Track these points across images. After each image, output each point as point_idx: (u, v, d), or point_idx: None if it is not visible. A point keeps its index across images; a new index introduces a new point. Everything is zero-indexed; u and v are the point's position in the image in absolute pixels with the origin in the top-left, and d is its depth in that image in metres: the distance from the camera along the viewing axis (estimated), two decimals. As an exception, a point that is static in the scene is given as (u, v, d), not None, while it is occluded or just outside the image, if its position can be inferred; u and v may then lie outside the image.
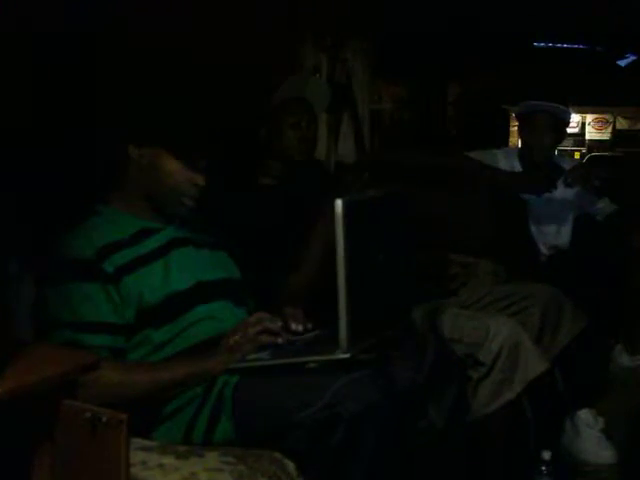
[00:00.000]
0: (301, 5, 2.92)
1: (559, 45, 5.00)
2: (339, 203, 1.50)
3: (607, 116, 5.07)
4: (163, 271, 1.73)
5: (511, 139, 4.84)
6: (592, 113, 5.09)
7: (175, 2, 2.38)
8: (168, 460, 1.49)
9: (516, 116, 3.32)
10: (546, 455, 1.99)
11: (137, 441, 1.50)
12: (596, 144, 5.05)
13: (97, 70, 2.14)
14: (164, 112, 1.78)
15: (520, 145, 3.28)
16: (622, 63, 4.99)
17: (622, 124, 5.06)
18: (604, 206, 3.15)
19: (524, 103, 3.16)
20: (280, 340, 1.72)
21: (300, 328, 1.75)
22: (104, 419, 1.23)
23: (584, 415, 2.45)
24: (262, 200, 2.29)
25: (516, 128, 3.59)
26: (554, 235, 3.13)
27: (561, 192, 3.12)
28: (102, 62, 2.15)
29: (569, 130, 3.45)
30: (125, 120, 1.82)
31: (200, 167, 1.76)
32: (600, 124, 5.13)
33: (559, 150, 3.34)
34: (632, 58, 4.97)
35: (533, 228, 3.12)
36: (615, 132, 5.03)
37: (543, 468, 1.99)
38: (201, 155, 1.77)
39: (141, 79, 2.18)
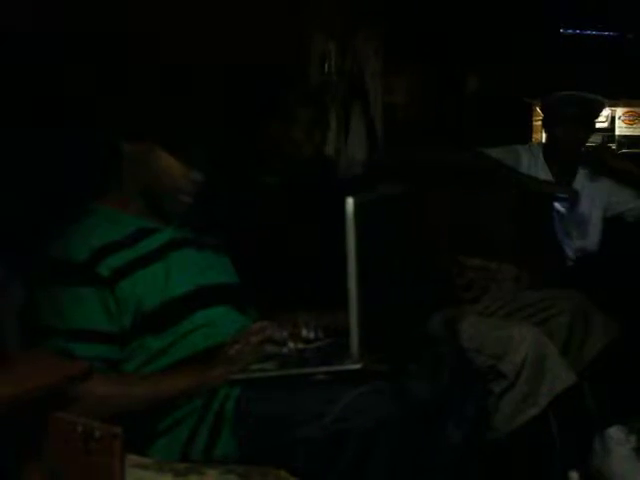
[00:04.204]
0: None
1: (587, 32, 4.99)
2: (350, 202, 1.50)
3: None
4: (162, 274, 1.74)
5: (534, 134, 4.83)
6: (623, 106, 5.05)
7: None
8: (166, 478, 1.50)
9: (541, 109, 3.32)
10: (574, 476, 1.99)
11: (132, 458, 1.51)
12: (627, 140, 5.02)
13: (86, 68, 2.16)
14: (156, 107, 1.80)
15: (545, 141, 3.28)
16: None
17: (657, 118, 5.04)
18: (636, 205, 3.14)
19: (548, 94, 3.16)
20: (285, 350, 1.72)
21: (312, 335, 1.75)
22: (97, 434, 1.23)
23: (615, 432, 2.44)
24: (265, 200, 2.30)
25: (540, 122, 3.58)
26: (581, 237, 3.12)
27: (589, 190, 3.13)
28: (91, 60, 2.17)
29: (597, 125, 3.45)
30: (117, 116, 1.84)
31: (196, 162, 1.77)
32: (632, 118, 5.10)
33: (586, 147, 3.34)
34: None
35: (558, 229, 3.12)
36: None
37: (570, 490, 1.99)
38: (196, 149, 1.78)
39: (132, 75, 2.20)
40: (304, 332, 1.77)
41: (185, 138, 1.78)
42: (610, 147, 4.66)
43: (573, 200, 3.04)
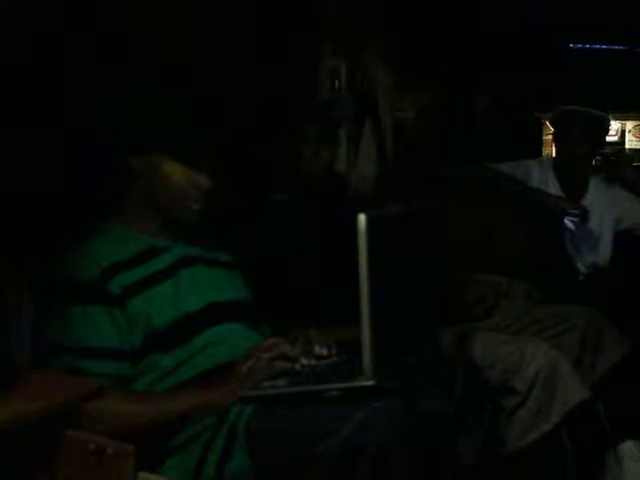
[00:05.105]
0: (318, 6, 2.93)
1: (596, 47, 5.00)
2: (362, 218, 1.50)
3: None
4: (172, 292, 1.74)
5: (545, 149, 4.83)
6: (633, 120, 5.06)
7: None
8: (177, 496, 1.49)
9: (550, 123, 3.32)
10: (587, 492, 1.97)
11: (143, 475, 1.50)
12: (637, 154, 5.02)
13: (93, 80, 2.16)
14: (159, 116, 1.79)
15: (555, 155, 3.28)
16: None
17: (667, 131, 5.04)
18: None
19: (558, 109, 3.16)
20: (297, 366, 1.72)
21: (324, 351, 1.75)
22: (110, 451, 1.23)
23: (628, 447, 2.42)
24: (276, 217, 2.30)
25: (550, 137, 3.59)
26: (593, 252, 3.12)
27: (600, 204, 3.12)
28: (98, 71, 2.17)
29: (607, 139, 3.45)
30: (122, 130, 1.84)
31: (203, 169, 1.78)
32: (642, 132, 5.11)
33: (596, 161, 3.34)
34: None
35: (569, 244, 3.11)
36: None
37: (584, 506, 1.97)
38: (203, 157, 1.78)
39: (136, 85, 2.19)
40: (316, 348, 1.76)
41: (191, 145, 1.77)
42: (626, 155, 4.63)
43: (583, 215, 3.04)
